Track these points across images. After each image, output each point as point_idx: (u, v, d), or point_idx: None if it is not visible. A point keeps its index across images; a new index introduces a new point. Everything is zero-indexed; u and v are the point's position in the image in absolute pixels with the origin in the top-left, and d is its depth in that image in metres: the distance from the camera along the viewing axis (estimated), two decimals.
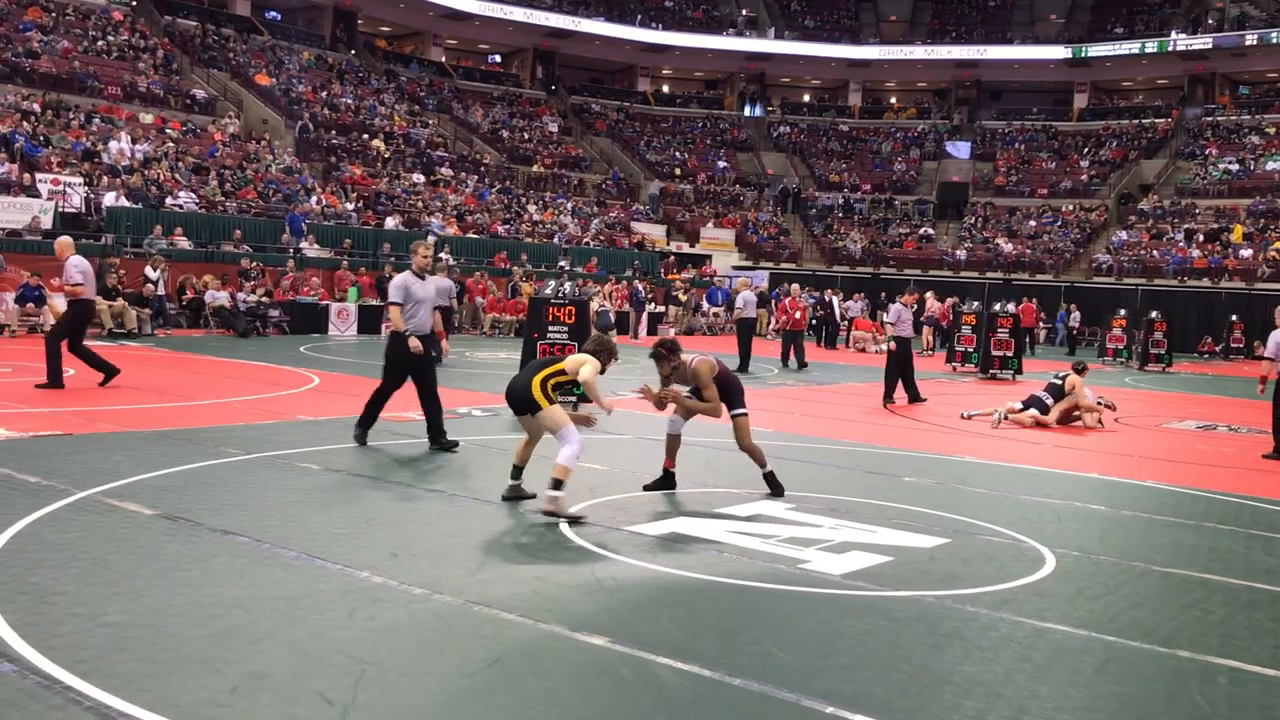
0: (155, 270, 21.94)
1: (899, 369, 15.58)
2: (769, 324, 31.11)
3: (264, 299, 23.14)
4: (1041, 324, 34.49)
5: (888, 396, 15.47)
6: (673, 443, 8.28)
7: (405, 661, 4.41)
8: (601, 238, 39.10)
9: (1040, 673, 4.64)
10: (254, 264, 24.32)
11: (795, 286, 24.54)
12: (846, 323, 31.15)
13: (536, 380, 7.23)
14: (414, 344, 9.51)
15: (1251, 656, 4.99)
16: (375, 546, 6.13)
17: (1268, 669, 4.83)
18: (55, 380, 12.18)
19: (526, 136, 46.96)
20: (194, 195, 27.66)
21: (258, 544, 6.03)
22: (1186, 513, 8.42)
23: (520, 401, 7.26)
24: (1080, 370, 13.96)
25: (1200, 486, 9.65)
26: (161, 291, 22.07)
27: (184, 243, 24.95)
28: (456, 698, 4.08)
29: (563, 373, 7.33)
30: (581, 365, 7.30)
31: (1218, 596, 6.01)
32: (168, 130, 31.31)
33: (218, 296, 22.54)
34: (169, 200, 26.74)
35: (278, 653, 4.42)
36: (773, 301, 31.51)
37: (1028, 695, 4.37)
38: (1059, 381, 13.87)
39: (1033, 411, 13.62)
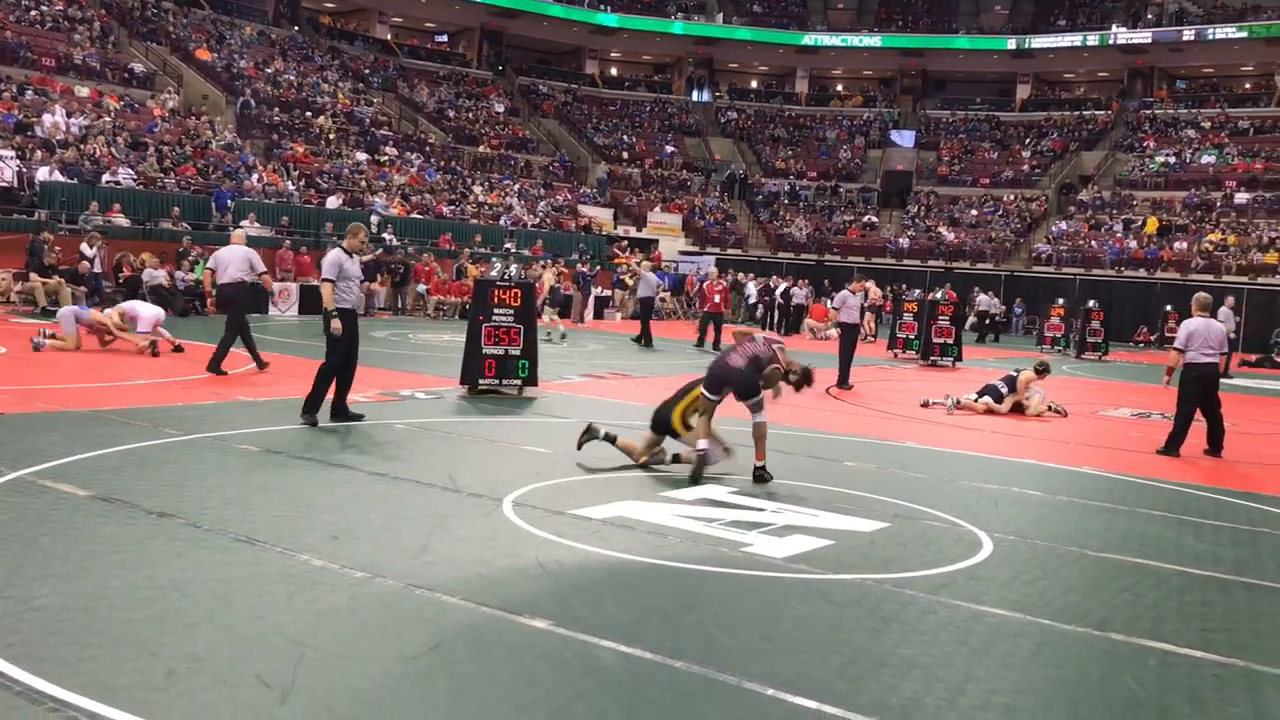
0: (91, 247, 21.48)
1: (844, 353, 15.84)
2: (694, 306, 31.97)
3: (202, 277, 22.72)
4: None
5: (841, 381, 15.66)
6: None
7: (346, 645, 4.37)
8: (548, 220, 38.94)
9: (977, 655, 4.71)
10: (192, 243, 23.88)
11: (714, 270, 25.09)
12: (790, 309, 31.30)
13: (677, 413, 8.56)
14: (335, 326, 9.56)
15: (1181, 639, 5.11)
16: (316, 529, 6.07)
17: (1196, 651, 4.95)
18: None
19: (473, 117, 46.57)
20: (132, 171, 27.10)
21: (195, 526, 5.95)
22: (1120, 498, 8.59)
23: (661, 427, 8.62)
24: (1041, 371, 14.17)
25: (1134, 473, 9.86)
26: (98, 269, 21.61)
27: (121, 219, 24.45)
28: (397, 681, 4.06)
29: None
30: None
31: (1149, 581, 6.14)
32: (104, 104, 30.63)
33: (156, 275, 22.11)
34: (106, 176, 26.16)
35: (215, 636, 4.36)
36: (700, 285, 31.66)
37: (964, 678, 4.43)
38: (1016, 374, 14.13)
39: (986, 399, 13.84)
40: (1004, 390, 13.93)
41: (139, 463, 7.48)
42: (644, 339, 21.78)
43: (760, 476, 8.21)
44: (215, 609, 4.66)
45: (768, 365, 8.45)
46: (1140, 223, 42.18)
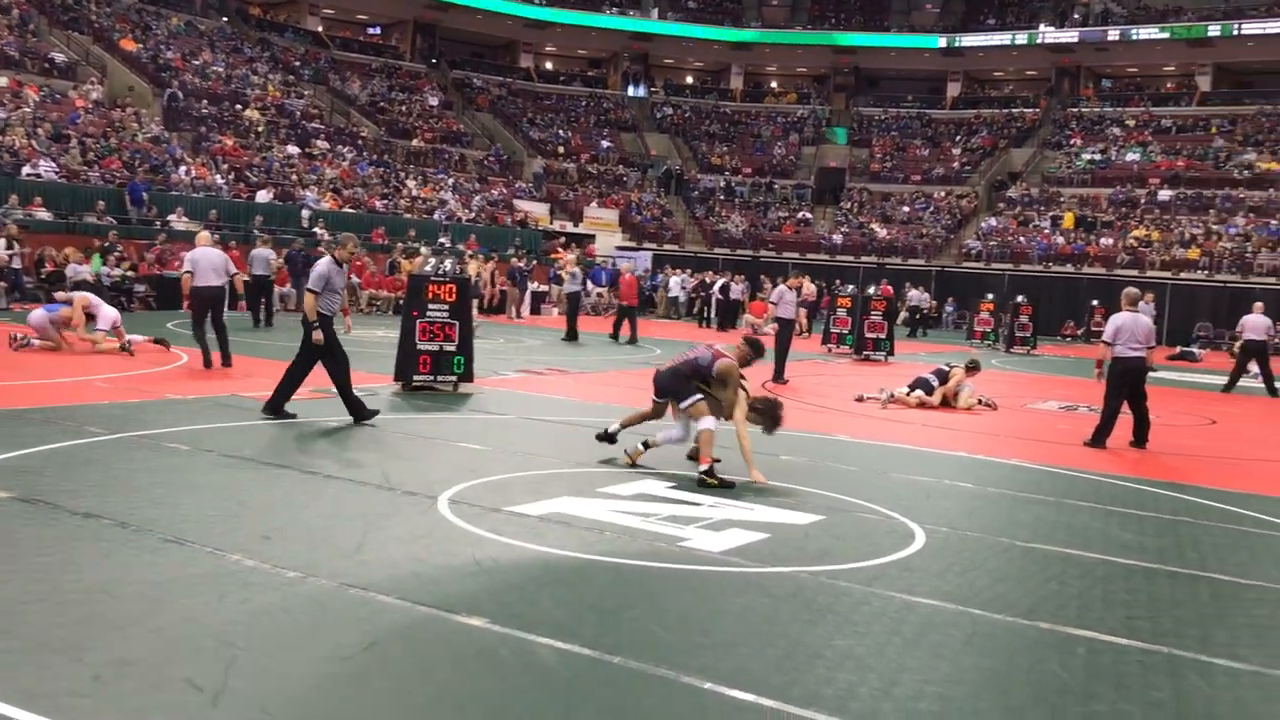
0: (9, 243, 20.92)
1: (780, 349, 15.98)
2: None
3: (129, 273, 22.29)
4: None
5: (776, 376, 15.78)
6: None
7: (278, 646, 4.31)
8: (483, 215, 38.70)
9: (910, 646, 4.78)
10: (118, 237, 23.36)
11: (627, 264, 25.50)
12: (728, 304, 31.42)
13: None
14: (317, 337, 9.75)
15: (1105, 627, 5.23)
16: (247, 529, 5.98)
17: (1120, 638, 5.07)
18: None
19: (406, 110, 46.13)
20: (54, 164, 26.44)
21: (123, 527, 5.83)
22: (1048, 490, 8.76)
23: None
24: (971, 369, 14.41)
25: (1061, 464, 10.06)
26: (17, 265, 21.06)
27: (43, 213, 23.84)
28: (332, 681, 4.02)
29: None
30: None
31: (1076, 570, 6.27)
32: (24, 94, 29.83)
33: (80, 270, 21.62)
34: (26, 169, 25.50)
35: (144, 639, 4.28)
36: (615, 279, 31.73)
37: (897, 668, 4.50)
38: (947, 369, 14.34)
39: (918, 393, 14.04)
40: (935, 383, 14.15)
41: (63, 463, 7.31)
42: (570, 335, 21.90)
43: (702, 481, 8.03)
44: (144, 611, 4.57)
45: (694, 375, 8.40)
46: (1060, 218, 43.08)
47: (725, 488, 7.88)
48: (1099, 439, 11.24)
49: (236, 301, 15.58)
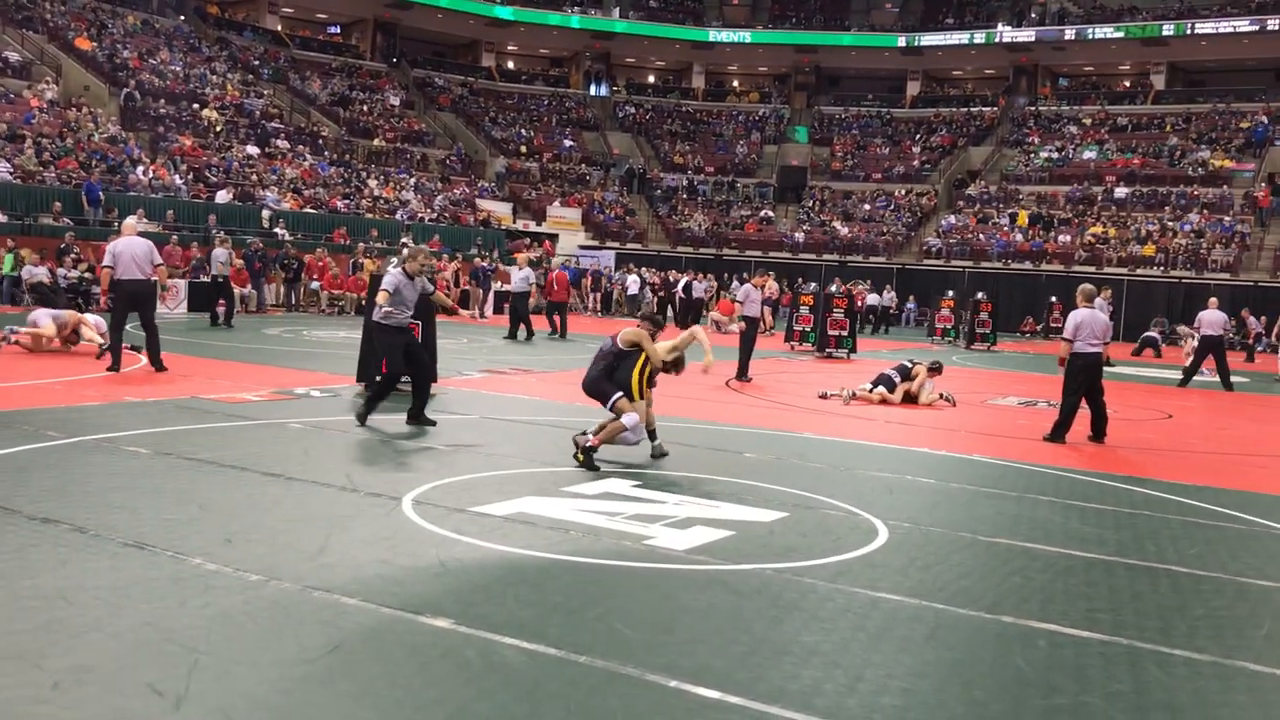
0: None
1: (749, 343, 16.06)
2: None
3: (86, 274, 22.01)
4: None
5: (740, 374, 15.84)
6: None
7: (241, 650, 4.27)
8: (446, 214, 38.54)
9: (874, 641, 4.82)
10: (74, 239, 23.07)
11: (558, 260, 25.76)
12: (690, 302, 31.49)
13: (636, 378, 8.64)
14: (382, 298, 9.91)
15: (1067, 620, 5.29)
16: (208, 532, 5.92)
17: (1081, 631, 5.13)
18: None
19: (367, 109, 45.86)
20: (8, 164, 26.05)
21: (81, 532, 5.75)
22: (1009, 484, 8.85)
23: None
24: (934, 370, 14.52)
25: (1022, 460, 10.16)
26: None
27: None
28: (296, 685, 3.99)
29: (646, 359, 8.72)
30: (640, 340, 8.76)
31: (1037, 564, 6.34)
32: None
33: (35, 272, 21.33)
34: None
35: (104, 644, 4.22)
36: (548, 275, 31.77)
37: (862, 663, 4.52)
38: (909, 365, 14.44)
39: (880, 389, 14.12)
40: (897, 379, 14.26)
41: (19, 467, 7.20)
42: (513, 333, 21.82)
43: (576, 455, 8.36)
44: (103, 617, 4.52)
45: (608, 363, 8.73)
46: (1035, 215, 43.52)
47: (589, 468, 8.24)
48: (1058, 434, 11.36)
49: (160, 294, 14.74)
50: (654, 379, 9.10)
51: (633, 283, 34.87)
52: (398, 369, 10.08)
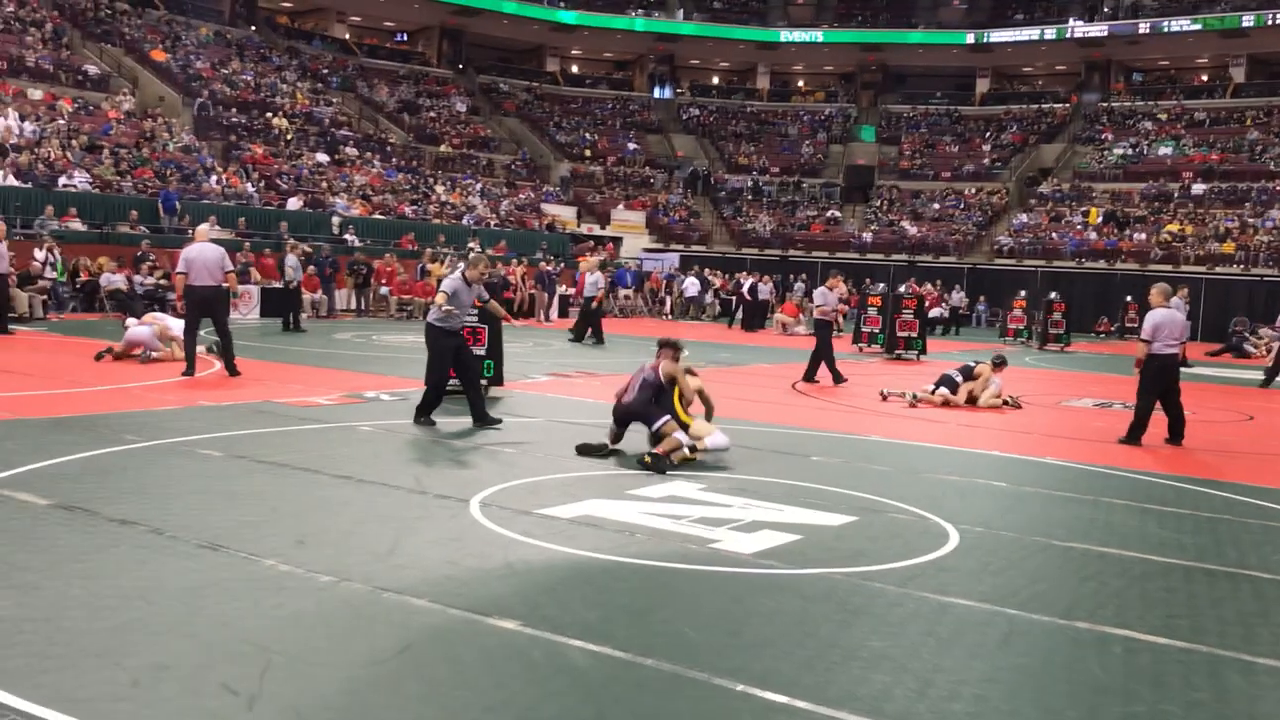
0: (43, 252, 21.19)
1: (822, 351, 15.83)
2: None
3: (162, 281, 22.51)
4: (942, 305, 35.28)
5: (807, 376, 15.71)
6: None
7: (313, 650, 4.33)
8: (511, 219, 38.82)
9: (945, 646, 4.74)
10: (150, 246, 23.60)
11: (586, 264, 25.51)
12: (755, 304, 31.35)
13: (679, 406, 9.02)
14: (440, 299, 10.19)
15: (1145, 626, 5.16)
16: (281, 534, 6.01)
17: (1159, 638, 5.00)
18: None
19: (434, 116, 46.36)
20: (87, 174, 26.75)
21: (158, 533, 5.88)
22: (1084, 488, 8.67)
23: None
24: (998, 365, 14.28)
25: (1097, 463, 9.96)
26: (50, 274, 21.32)
27: (77, 224, 24.14)
28: (366, 685, 4.03)
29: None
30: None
31: (1113, 569, 6.20)
32: (58, 106, 30.22)
33: (113, 279, 21.86)
34: (62, 180, 25.83)
35: (180, 644, 4.31)
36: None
37: (932, 669, 4.46)
38: (973, 365, 14.24)
39: (942, 390, 13.92)
40: (959, 379, 14.04)
41: (99, 470, 7.38)
42: (577, 335, 21.82)
43: (643, 459, 8.47)
44: (180, 617, 4.61)
45: (655, 393, 9.07)
46: (1086, 213, 42.71)
47: (656, 470, 8.30)
48: (1134, 436, 11.12)
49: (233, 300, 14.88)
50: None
51: (691, 285, 34.91)
52: (444, 373, 10.31)
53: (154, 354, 14.14)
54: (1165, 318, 11.08)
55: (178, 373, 12.93)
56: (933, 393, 13.96)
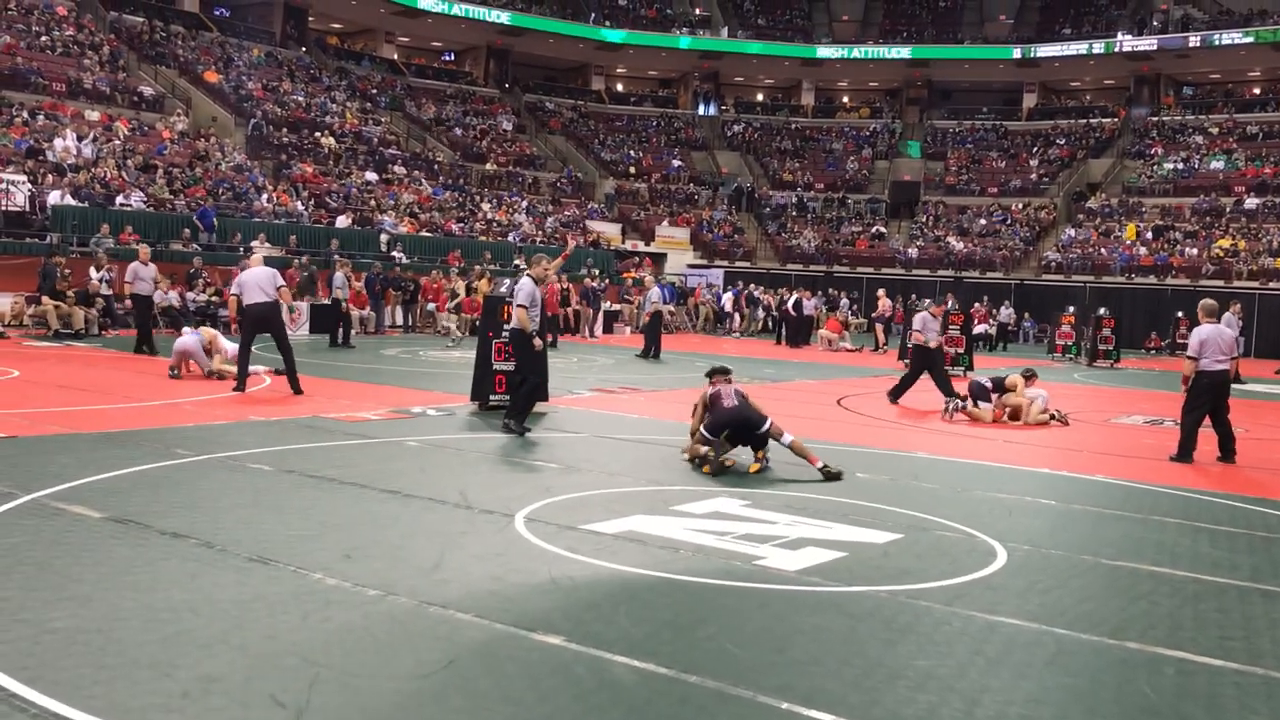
0: (99, 270, 21.59)
1: (917, 373, 15.65)
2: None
3: (214, 298, 22.85)
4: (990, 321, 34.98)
5: (893, 395, 15.58)
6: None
7: (359, 663, 4.37)
8: (557, 236, 39.02)
9: (992, 666, 4.69)
10: (202, 264, 23.98)
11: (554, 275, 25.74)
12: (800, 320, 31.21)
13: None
14: (537, 343, 10.92)
15: (1198, 647, 5.07)
16: (329, 548, 6.07)
17: (1214, 659, 4.92)
18: None
19: (480, 134, 46.74)
20: (142, 194, 27.24)
21: (208, 547, 5.96)
22: (1134, 506, 8.55)
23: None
24: (1028, 378, 14.17)
25: (1148, 480, 9.81)
26: (108, 292, 21.72)
27: (133, 242, 24.56)
28: (411, 699, 4.06)
29: None
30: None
31: (1164, 588, 6.11)
32: (115, 127, 30.83)
33: (167, 296, 22.22)
34: (119, 199, 26.32)
35: (229, 656, 4.36)
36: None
37: (980, 688, 4.41)
38: (1004, 377, 14.14)
39: (978, 403, 13.84)
40: (988, 385, 13.98)
41: (151, 484, 7.50)
42: (655, 352, 22.26)
43: (829, 475, 8.98)
44: (229, 629, 4.67)
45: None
46: (1159, 228, 42.13)
47: (836, 478, 8.91)
48: (1184, 454, 10.95)
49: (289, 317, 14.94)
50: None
51: (727, 299, 35.26)
52: (544, 373, 11.14)
53: (211, 368, 14.27)
54: (1212, 333, 10.93)
55: (229, 389, 13.10)
56: (968, 405, 13.88)
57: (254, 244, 26.00)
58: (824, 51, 53.51)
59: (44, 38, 33.82)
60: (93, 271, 21.55)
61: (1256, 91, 50.73)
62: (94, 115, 31.09)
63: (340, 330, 21.42)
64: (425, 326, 27.20)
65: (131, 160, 29.08)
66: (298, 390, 12.90)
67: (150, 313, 18.32)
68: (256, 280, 12.98)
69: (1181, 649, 5.03)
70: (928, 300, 22.19)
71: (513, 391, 11.36)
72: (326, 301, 23.02)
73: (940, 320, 16.90)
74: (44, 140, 27.84)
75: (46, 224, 24.11)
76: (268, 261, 14.63)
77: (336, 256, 25.97)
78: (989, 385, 13.99)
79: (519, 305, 10.90)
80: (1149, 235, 41.91)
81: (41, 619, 4.66)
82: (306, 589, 5.30)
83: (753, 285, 36.97)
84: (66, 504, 6.74)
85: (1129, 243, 41.53)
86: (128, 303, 19.75)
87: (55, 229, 23.80)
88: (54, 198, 24.75)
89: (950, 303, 23.25)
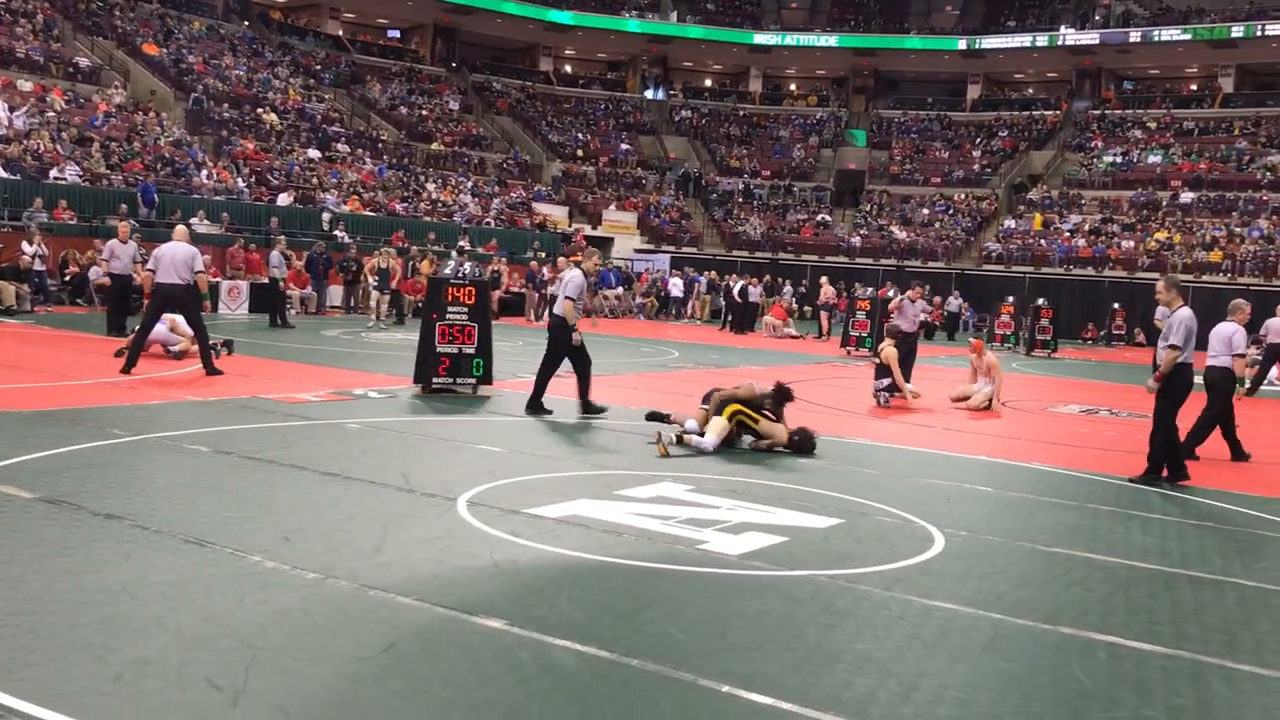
0: (31, 245, 21.10)
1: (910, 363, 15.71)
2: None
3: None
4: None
5: (890, 391, 15.71)
6: None
7: (298, 646, 4.33)
8: (503, 218, 38.79)
9: (929, 650, 4.76)
10: (140, 240, 23.51)
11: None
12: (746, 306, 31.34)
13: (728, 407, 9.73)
14: (577, 338, 11.17)
15: (1129, 632, 5.19)
16: (267, 530, 6.00)
17: (1143, 644, 5.03)
18: None
19: (426, 114, 46.28)
20: (77, 167, 26.64)
21: (143, 528, 5.86)
22: (1070, 494, 8.71)
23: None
24: (893, 336, 14.75)
25: (1083, 469, 10.00)
26: (40, 267, 21.24)
27: (67, 217, 24.03)
28: (351, 682, 4.03)
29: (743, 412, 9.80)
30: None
31: (1098, 575, 6.23)
32: (49, 99, 30.09)
33: (99, 273, 21.76)
34: (52, 173, 25.71)
35: (164, 639, 4.30)
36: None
37: (917, 672, 4.47)
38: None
39: (887, 383, 14.17)
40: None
41: (85, 464, 7.35)
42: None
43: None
44: (164, 611, 4.59)
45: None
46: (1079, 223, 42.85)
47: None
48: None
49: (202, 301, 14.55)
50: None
51: (675, 285, 35.34)
52: (557, 363, 11.41)
53: (174, 348, 14.03)
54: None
55: (164, 368, 12.88)
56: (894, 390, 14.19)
57: (193, 220, 25.55)
58: (772, 39, 53.66)
59: None
60: (25, 246, 21.05)
61: (1193, 88, 51.73)
62: (27, 86, 30.30)
63: (276, 310, 21.12)
64: (367, 308, 26.90)
65: (66, 133, 28.41)
66: (211, 371, 12.64)
67: (129, 293, 17.26)
68: (172, 259, 12.53)
69: (1113, 634, 5.14)
70: (897, 290, 22.33)
71: (579, 381, 11.58)
72: (265, 280, 22.67)
73: (917, 305, 17.08)
74: None
75: None
76: (208, 239, 14.34)
77: (275, 236, 25.57)
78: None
79: (566, 297, 11.15)
80: (1086, 227, 42.57)
81: None
82: (244, 571, 5.24)
83: (710, 271, 37.05)
84: None
85: (1079, 233, 42.05)
86: (105, 280, 19.07)
87: None
88: None
89: (892, 290, 23.48)
